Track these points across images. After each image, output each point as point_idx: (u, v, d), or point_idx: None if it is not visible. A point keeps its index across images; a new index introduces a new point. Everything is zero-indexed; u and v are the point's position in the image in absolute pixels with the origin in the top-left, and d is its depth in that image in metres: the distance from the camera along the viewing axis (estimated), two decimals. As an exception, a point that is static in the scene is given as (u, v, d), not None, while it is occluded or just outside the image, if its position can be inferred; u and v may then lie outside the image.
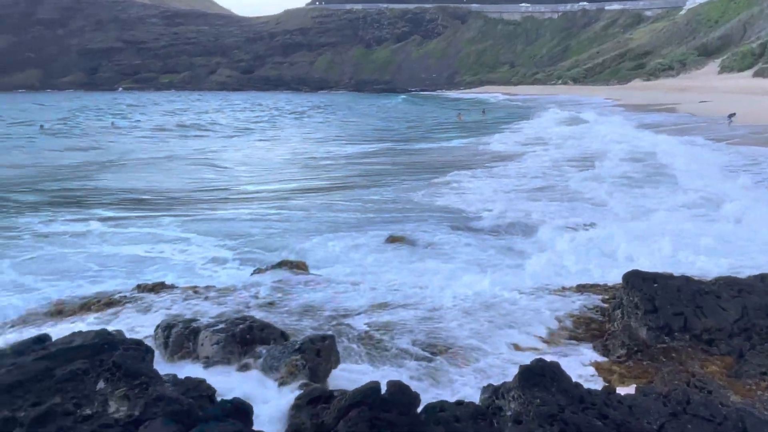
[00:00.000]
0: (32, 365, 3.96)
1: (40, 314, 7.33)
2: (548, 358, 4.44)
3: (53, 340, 4.66)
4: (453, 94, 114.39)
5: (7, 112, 62.75)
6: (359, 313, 6.76)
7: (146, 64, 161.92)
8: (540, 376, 3.92)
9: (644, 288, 5.77)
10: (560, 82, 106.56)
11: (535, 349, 5.80)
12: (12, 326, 6.88)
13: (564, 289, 7.81)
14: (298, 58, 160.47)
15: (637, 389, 4.26)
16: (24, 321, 7.07)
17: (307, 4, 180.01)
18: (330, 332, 5.57)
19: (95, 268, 10.60)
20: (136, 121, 52.91)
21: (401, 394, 3.83)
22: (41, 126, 45.66)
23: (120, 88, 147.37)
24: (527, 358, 4.75)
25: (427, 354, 5.64)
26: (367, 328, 6.14)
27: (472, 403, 4.01)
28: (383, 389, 3.87)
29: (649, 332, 5.48)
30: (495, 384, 4.31)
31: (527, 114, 50.54)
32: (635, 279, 5.93)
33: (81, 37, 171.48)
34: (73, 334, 4.51)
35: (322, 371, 4.87)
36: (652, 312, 5.57)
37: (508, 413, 3.86)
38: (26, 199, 17.65)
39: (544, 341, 6.03)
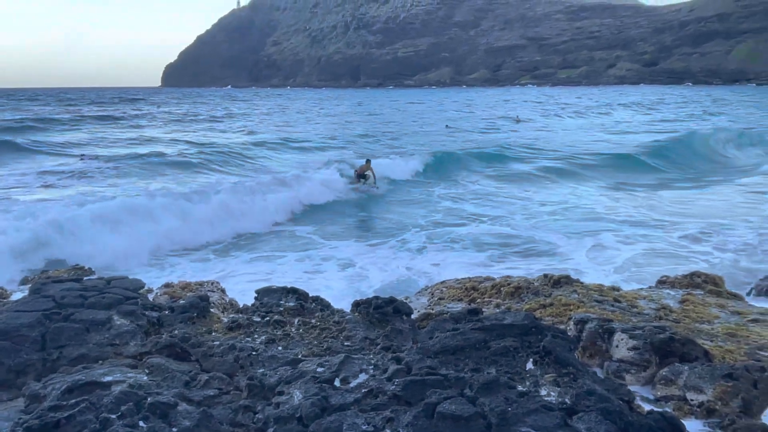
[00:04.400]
0: (471, 334, 4.47)
1: (458, 289, 8.28)
2: None
3: (484, 314, 5.18)
4: None
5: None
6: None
7: (546, 60, 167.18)
8: None
9: None
10: None
11: None
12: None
13: None
14: (711, 47, 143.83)
15: None
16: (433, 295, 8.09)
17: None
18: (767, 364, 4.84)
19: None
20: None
21: None
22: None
23: (519, 84, 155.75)
24: None
25: None
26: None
27: None
28: None
29: None
30: None
31: None
32: None
33: (489, 36, 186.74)
34: (504, 312, 4.93)
35: (757, 405, 4.28)
36: None
37: None
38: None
39: None
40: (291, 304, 5.55)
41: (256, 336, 4.94)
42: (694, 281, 7.66)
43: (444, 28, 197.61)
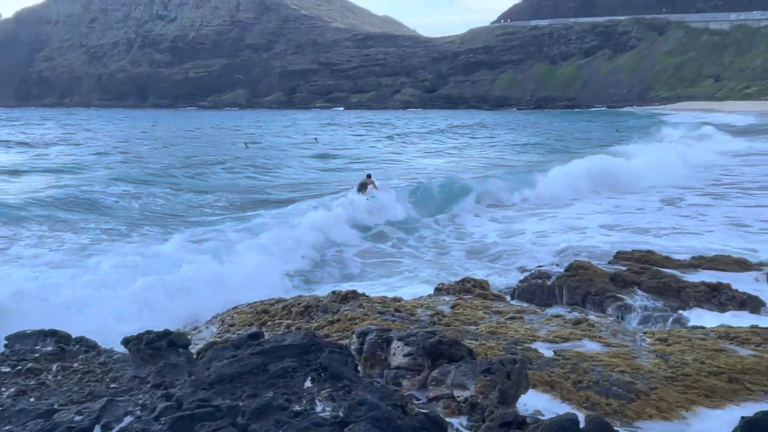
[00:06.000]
0: (249, 359, 4.38)
1: (249, 314, 8.11)
2: None
3: (266, 337, 5.12)
4: (640, 111, 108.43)
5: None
6: (546, 340, 6.53)
7: (338, 84, 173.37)
8: None
9: None
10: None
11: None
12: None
13: None
14: (480, 76, 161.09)
15: None
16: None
17: (492, 23, 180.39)
18: (518, 356, 5.45)
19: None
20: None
21: (602, 430, 3.63)
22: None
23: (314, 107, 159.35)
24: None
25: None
26: (557, 357, 5.91)
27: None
28: (581, 422, 3.70)
29: None
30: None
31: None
32: None
33: (283, 60, 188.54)
34: (284, 333, 4.92)
35: (511, 395, 4.77)
36: None
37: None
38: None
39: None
40: (49, 348, 4.97)
41: (2, 389, 4.32)
42: (465, 286, 8.41)
43: (237, 49, 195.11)
